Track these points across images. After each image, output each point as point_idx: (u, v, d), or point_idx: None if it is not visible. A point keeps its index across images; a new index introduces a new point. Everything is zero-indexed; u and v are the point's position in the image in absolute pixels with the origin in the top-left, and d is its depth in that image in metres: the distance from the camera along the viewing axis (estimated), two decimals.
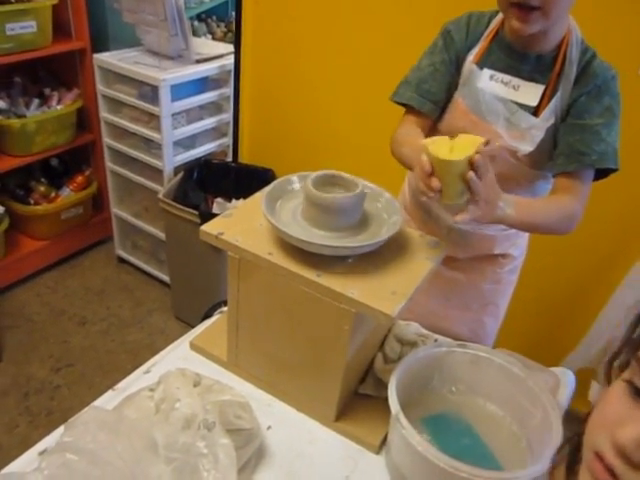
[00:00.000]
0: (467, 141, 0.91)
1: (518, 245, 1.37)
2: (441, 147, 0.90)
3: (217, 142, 2.58)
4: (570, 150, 1.10)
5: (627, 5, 1.56)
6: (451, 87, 1.21)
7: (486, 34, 1.19)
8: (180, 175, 2.36)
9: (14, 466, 0.91)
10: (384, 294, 0.89)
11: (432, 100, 1.20)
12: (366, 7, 1.94)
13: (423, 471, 0.87)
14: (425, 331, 1.24)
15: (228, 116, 2.52)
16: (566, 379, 1.19)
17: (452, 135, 0.92)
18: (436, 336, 1.23)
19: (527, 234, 1.38)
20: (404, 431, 0.86)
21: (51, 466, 0.65)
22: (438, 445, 0.97)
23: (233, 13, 2.39)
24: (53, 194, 2.68)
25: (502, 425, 1.03)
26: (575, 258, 1.87)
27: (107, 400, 1.04)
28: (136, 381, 1.09)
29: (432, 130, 1.25)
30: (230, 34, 2.98)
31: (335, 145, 2.20)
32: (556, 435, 0.90)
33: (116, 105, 2.43)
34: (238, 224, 1.02)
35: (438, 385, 1.07)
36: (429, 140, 0.92)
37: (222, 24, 3.14)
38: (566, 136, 1.12)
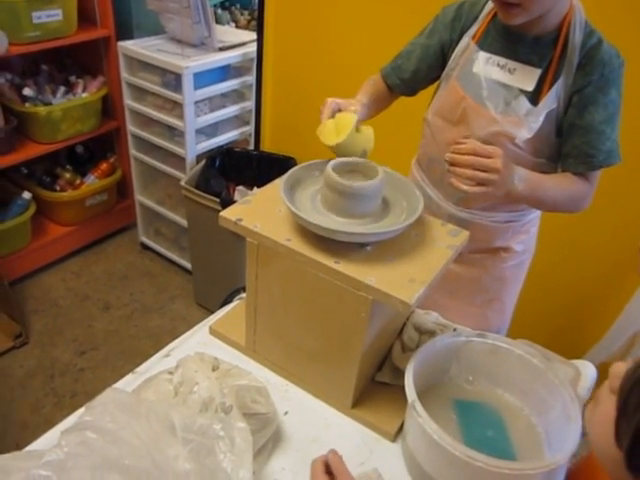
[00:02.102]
0: (345, 121, 1.07)
1: (522, 240, 1.34)
2: (330, 134, 1.06)
3: (239, 130, 2.59)
4: (578, 152, 1.12)
5: None
6: (422, 71, 1.27)
7: (483, 14, 1.18)
8: (202, 163, 2.37)
9: (37, 444, 0.94)
10: (402, 282, 0.88)
11: (398, 76, 1.29)
12: None
13: (439, 459, 0.87)
14: (444, 320, 1.23)
15: (250, 104, 2.52)
16: (587, 372, 1.17)
17: (333, 116, 1.09)
18: (455, 325, 1.22)
19: (532, 230, 1.36)
20: (420, 419, 0.86)
21: (70, 444, 0.66)
22: (462, 430, 0.97)
23: (257, 1, 2.39)
24: (78, 181, 2.72)
25: (520, 416, 1.02)
26: (601, 249, 1.84)
27: (127, 383, 1.06)
28: (156, 365, 1.11)
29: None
30: (254, 22, 2.98)
31: None
32: (575, 427, 0.89)
33: (140, 93, 2.45)
34: (257, 210, 1.02)
35: (455, 374, 1.07)
36: (319, 129, 1.09)
37: (246, 12, 3.14)
38: (572, 138, 1.12)
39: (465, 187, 1.00)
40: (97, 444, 0.67)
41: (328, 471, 0.79)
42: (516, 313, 1.51)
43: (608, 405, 0.55)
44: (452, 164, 1.00)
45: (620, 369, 0.55)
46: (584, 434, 0.89)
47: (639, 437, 0.50)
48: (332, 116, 1.10)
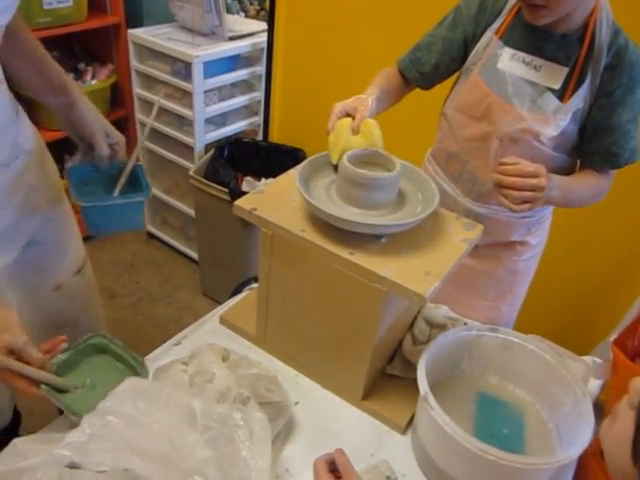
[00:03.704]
0: (339, 130, 1.03)
1: (537, 234, 1.35)
2: (333, 149, 1.04)
3: (248, 121, 2.58)
4: (604, 151, 1.14)
5: None
6: (443, 64, 1.24)
7: (507, 9, 1.16)
8: (211, 153, 2.36)
9: (49, 429, 0.94)
10: (417, 274, 0.88)
11: (419, 69, 1.25)
12: None
13: (450, 452, 0.87)
14: (454, 314, 1.23)
15: (259, 95, 2.51)
16: (595, 367, 1.17)
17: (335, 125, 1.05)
18: (465, 320, 1.22)
19: (546, 223, 1.37)
20: (432, 412, 0.86)
21: (93, 427, 0.67)
22: (475, 423, 0.98)
23: None
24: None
25: (531, 411, 1.02)
26: (609, 245, 1.83)
27: None
28: (166, 353, 1.11)
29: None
30: (263, 12, 2.96)
31: None
32: (587, 423, 0.89)
33: (149, 81, 2.44)
34: (271, 200, 1.02)
35: (467, 368, 1.07)
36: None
37: (255, 2, 3.12)
38: (598, 138, 1.13)
39: (515, 207, 1.03)
40: (118, 428, 0.68)
41: (332, 469, 0.79)
42: (524, 308, 1.51)
43: (626, 421, 0.53)
44: (499, 185, 1.02)
45: None
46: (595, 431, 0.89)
47: None
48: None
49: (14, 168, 1.06)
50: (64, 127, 1.14)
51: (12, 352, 0.83)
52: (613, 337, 1.43)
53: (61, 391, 0.87)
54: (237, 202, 1.00)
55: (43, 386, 0.84)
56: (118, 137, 1.16)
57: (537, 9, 1.02)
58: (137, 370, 0.94)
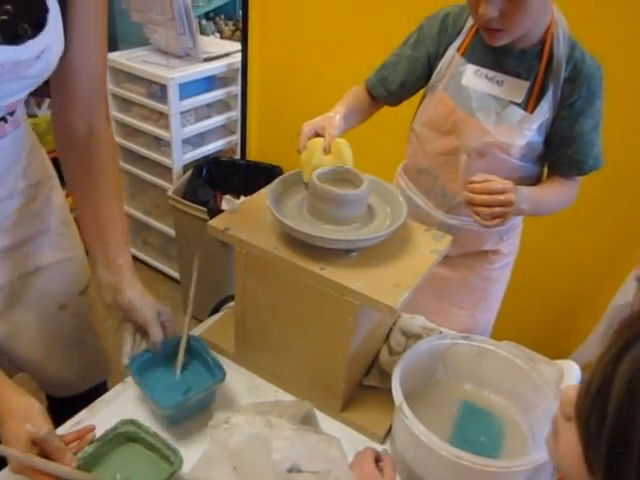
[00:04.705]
0: (314, 148, 1.06)
1: (508, 242, 1.39)
2: (305, 167, 1.06)
3: (225, 140, 2.61)
4: (569, 160, 1.18)
5: None
6: (409, 82, 1.28)
7: (467, 27, 1.20)
8: (189, 173, 2.38)
9: None
10: (387, 287, 0.90)
11: (385, 88, 1.29)
12: (373, 4, 1.94)
13: (426, 459, 0.89)
14: (430, 324, 1.25)
15: (236, 114, 2.54)
16: (571, 371, 1.19)
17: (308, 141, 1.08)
18: (441, 329, 1.24)
19: (517, 231, 1.41)
20: (407, 421, 0.88)
21: None
22: (456, 430, 0.99)
23: (241, 12, 2.41)
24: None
25: (505, 415, 1.04)
26: (583, 251, 1.87)
27: (119, 391, 1.07)
28: None
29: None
30: (238, 32, 3.00)
31: None
32: None
33: (126, 104, 2.45)
34: (244, 219, 1.04)
35: (442, 377, 1.09)
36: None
37: (230, 23, 3.16)
38: (562, 147, 1.18)
39: (487, 223, 1.06)
40: None
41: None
42: (501, 315, 1.54)
43: (568, 435, 0.52)
44: (470, 203, 1.06)
45: (570, 395, 0.52)
46: None
47: (612, 468, 0.46)
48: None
49: (17, 199, 1.04)
50: (112, 303, 1.06)
51: (34, 443, 0.79)
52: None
53: None
54: (211, 222, 1.02)
55: None
56: (168, 312, 1.08)
57: (494, 32, 1.06)
58: (170, 459, 0.88)
